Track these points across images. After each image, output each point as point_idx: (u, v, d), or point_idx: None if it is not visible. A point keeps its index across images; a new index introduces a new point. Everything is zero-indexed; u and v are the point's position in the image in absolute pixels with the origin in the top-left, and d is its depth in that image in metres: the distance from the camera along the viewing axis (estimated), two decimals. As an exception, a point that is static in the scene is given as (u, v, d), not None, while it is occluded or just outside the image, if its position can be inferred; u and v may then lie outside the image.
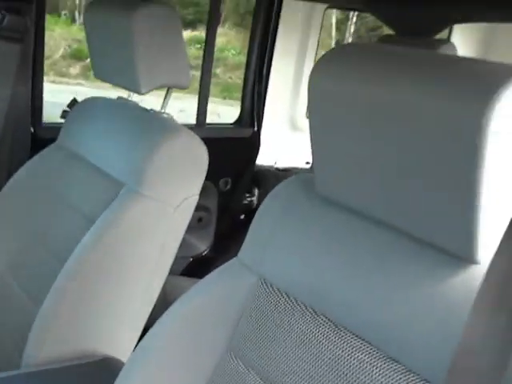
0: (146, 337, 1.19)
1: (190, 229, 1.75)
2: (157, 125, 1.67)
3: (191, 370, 1.15)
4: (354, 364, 0.93)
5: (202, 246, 2.76)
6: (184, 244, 1.75)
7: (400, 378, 0.87)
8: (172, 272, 1.75)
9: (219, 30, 2.86)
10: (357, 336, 0.95)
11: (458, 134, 0.77)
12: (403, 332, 0.89)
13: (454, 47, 2.12)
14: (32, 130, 2.24)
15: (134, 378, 1.15)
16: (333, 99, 0.95)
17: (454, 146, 0.78)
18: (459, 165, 0.79)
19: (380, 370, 0.90)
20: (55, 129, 1.99)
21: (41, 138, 2.23)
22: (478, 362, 0.61)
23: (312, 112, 1.00)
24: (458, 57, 0.91)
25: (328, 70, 0.96)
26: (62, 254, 1.61)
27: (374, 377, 0.90)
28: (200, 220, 2.67)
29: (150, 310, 1.69)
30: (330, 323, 0.99)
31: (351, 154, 0.95)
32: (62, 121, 2.03)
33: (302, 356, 1.02)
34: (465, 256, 0.84)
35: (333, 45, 10.62)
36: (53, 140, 1.96)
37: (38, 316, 1.55)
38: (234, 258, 1.20)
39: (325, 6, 2.96)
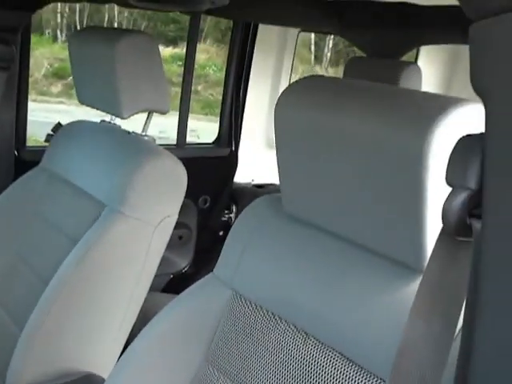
0: (125, 353, 1.24)
1: (171, 246, 1.78)
2: (138, 147, 1.71)
3: (170, 383, 1.20)
4: (319, 369, 1.00)
5: (183, 263, 2.77)
6: (165, 261, 1.79)
7: (361, 380, 0.94)
8: (153, 289, 1.77)
9: (200, 46, 2.89)
10: (322, 343, 1.01)
11: (404, 159, 0.85)
12: (364, 338, 0.95)
13: (419, 68, 2.20)
14: (16, 153, 2.27)
15: None
16: (295, 127, 1.02)
17: (402, 169, 0.86)
18: (407, 185, 0.87)
19: (342, 374, 0.96)
20: (39, 152, 2.04)
21: (24, 160, 2.25)
22: (417, 362, 0.66)
23: (278, 138, 1.07)
24: (404, 89, 1.00)
25: (291, 101, 1.04)
26: (46, 276, 1.65)
27: (336, 379, 0.97)
28: (180, 238, 2.68)
29: (131, 326, 1.71)
30: (298, 332, 1.05)
31: (314, 176, 1.02)
32: (46, 144, 2.06)
33: (274, 363, 1.07)
34: (416, 267, 0.91)
35: (312, 59, 10.65)
36: (36, 163, 1.99)
37: (22, 337, 1.57)
38: (210, 274, 1.25)
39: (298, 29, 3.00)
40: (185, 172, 1.68)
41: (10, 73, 2.07)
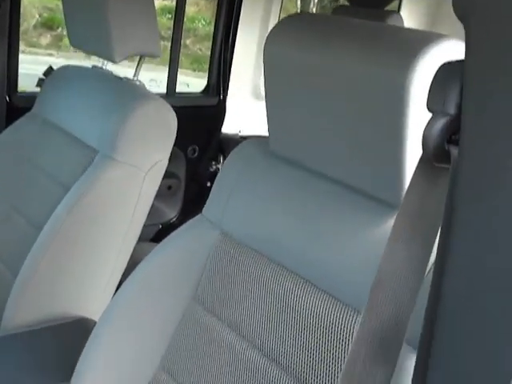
0: (115, 296, 1.27)
1: (160, 196, 1.80)
2: (129, 92, 1.72)
3: (159, 322, 1.23)
4: (305, 306, 1.03)
5: (171, 213, 2.79)
6: (154, 211, 1.81)
7: (344, 316, 0.97)
8: (142, 239, 1.80)
9: (190, -2, 2.84)
10: (308, 281, 1.04)
11: (388, 93, 0.88)
12: (347, 275, 0.98)
13: (401, 18, 2.23)
14: (7, 98, 2.24)
15: (105, 333, 1.24)
16: (284, 63, 1.04)
17: (384, 106, 0.89)
18: (389, 121, 0.89)
19: (328, 310, 0.99)
20: (30, 98, 2.03)
21: (16, 106, 2.23)
22: (394, 287, 0.67)
23: (267, 77, 1.09)
24: (390, 26, 1.03)
25: (280, 38, 1.06)
26: (39, 223, 1.66)
27: (317, 313, 1.00)
28: (169, 188, 2.69)
29: (121, 275, 1.74)
30: (284, 271, 1.08)
31: (301, 115, 1.05)
32: (38, 89, 2.06)
33: (258, 299, 1.11)
34: (398, 204, 0.94)
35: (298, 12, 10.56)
36: (28, 109, 1.99)
37: (16, 283, 1.60)
38: (199, 215, 1.28)
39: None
40: (175, 116, 1.69)
41: (1, 14, 2.06)
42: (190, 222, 1.28)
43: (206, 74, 2.97)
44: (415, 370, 0.61)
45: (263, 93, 1.12)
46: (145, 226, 1.75)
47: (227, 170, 1.26)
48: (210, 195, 1.28)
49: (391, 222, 0.90)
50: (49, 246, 1.59)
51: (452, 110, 0.59)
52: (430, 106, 0.62)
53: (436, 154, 0.63)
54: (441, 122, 0.60)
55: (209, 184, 2.97)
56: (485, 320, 0.54)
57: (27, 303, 1.62)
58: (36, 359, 1.44)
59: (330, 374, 0.97)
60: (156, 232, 2.75)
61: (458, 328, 0.56)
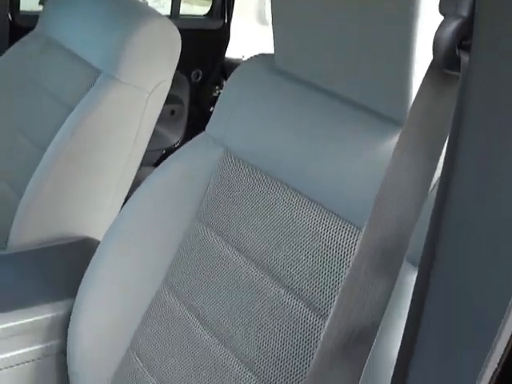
0: (118, 214, 1.28)
1: (163, 121, 1.80)
2: (132, 10, 1.68)
3: (162, 238, 1.24)
4: (304, 220, 1.03)
5: (174, 138, 2.80)
6: (157, 136, 1.80)
7: (349, 235, 0.97)
8: (145, 164, 1.80)
9: None
10: (309, 199, 1.04)
11: (393, 2, 0.86)
12: (349, 192, 0.98)
13: None
14: (10, 18, 2.22)
15: (109, 250, 1.26)
16: None
17: (391, 14, 0.87)
18: (397, 34, 0.88)
19: (330, 228, 0.99)
20: (33, 17, 1.99)
21: (19, 26, 2.20)
22: (399, 197, 0.67)
23: None
24: None
25: None
26: (43, 143, 1.65)
27: (318, 229, 1.01)
28: (172, 112, 2.69)
29: (124, 197, 1.73)
30: (285, 186, 1.08)
31: (305, 28, 1.04)
32: (41, 8, 2.02)
33: (261, 217, 1.11)
34: (403, 121, 0.94)
35: None
36: (31, 28, 1.96)
37: (21, 203, 1.60)
38: (202, 133, 1.27)
39: None
40: (179, 36, 1.66)
41: None
42: (194, 140, 1.28)
43: (209, 2, 2.93)
44: (416, 286, 0.61)
45: (268, 18, 1.10)
46: (148, 151, 1.75)
47: (230, 86, 1.25)
48: (214, 112, 1.27)
49: (395, 139, 0.89)
50: (52, 167, 1.58)
51: (465, 12, 0.58)
52: (441, 9, 0.61)
53: (446, 58, 0.61)
54: (453, 25, 0.59)
55: (212, 109, 2.96)
56: (492, 238, 0.53)
57: (32, 224, 1.63)
58: (42, 275, 1.46)
59: (331, 288, 0.98)
60: (159, 157, 2.75)
61: (461, 245, 0.56)
